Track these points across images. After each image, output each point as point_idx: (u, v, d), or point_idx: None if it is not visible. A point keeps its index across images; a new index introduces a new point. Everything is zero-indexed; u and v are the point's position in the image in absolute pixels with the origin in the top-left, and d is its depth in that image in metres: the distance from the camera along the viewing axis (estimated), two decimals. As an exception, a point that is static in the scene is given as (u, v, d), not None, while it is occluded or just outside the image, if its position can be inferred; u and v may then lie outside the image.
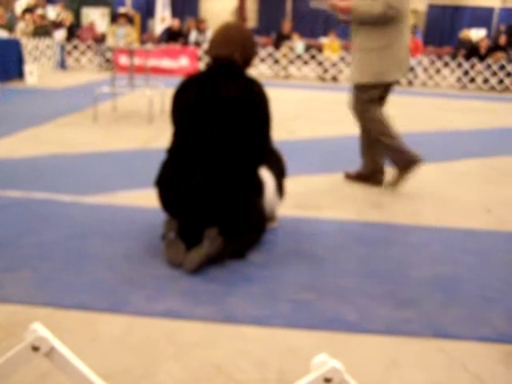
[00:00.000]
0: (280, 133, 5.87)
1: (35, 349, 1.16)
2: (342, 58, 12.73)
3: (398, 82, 4.02)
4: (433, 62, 12.89)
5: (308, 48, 13.27)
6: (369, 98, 3.86)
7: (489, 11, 21.13)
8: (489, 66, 12.23)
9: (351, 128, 6.52)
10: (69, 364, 1.18)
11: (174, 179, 2.65)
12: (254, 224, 2.75)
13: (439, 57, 13.50)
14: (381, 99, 3.96)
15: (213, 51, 2.74)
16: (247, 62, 2.77)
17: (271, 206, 2.93)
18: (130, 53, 7.24)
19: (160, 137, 5.46)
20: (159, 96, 6.90)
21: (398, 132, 3.92)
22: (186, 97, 2.69)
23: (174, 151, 2.73)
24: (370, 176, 4.10)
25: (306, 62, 12.98)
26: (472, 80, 12.49)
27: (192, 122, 2.65)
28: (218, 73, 2.69)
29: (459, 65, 12.66)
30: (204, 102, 2.63)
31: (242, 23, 2.91)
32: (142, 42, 13.51)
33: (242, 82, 2.68)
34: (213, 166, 2.59)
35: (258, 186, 2.75)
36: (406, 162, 3.84)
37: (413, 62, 12.34)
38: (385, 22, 3.66)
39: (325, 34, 15.95)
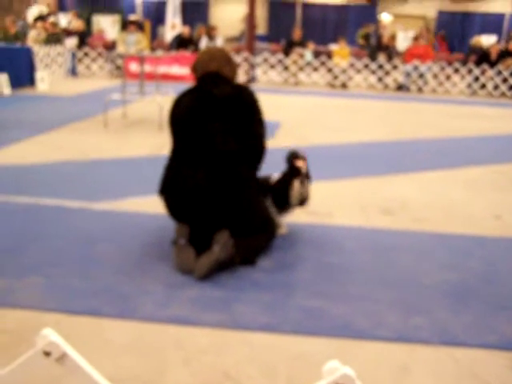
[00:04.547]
0: (290, 139, 5.88)
1: (47, 354, 1.17)
2: (352, 65, 12.71)
3: None
4: (443, 69, 12.83)
5: (317, 55, 13.27)
6: None
7: (499, 17, 21.02)
8: (499, 73, 12.17)
9: (362, 134, 6.53)
10: (80, 369, 1.19)
11: (178, 181, 2.71)
12: (261, 220, 2.79)
13: (449, 63, 13.44)
14: None
15: (200, 70, 2.91)
16: (233, 77, 2.96)
17: None
18: (141, 60, 7.29)
19: (170, 143, 5.46)
20: (169, 103, 6.92)
21: None
22: (184, 104, 2.85)
23: (175, 157, 2.82)
24: None
25: (315, 69, 12.97)
26: (482, 86, 12.43)
27: (194, 124, 2.76)
28: (210, 81, 2.85)
29: (469, 71, 12.60)
30: (202, 104, 2.78)
31: (221, 47, 3.11)
32: (152, 48, 13.58)
33: (232, 85, 2.86)
34: (216, 160, 2.68)
35: (258, 183, 2.90)
36: None
37: (422, 68, 12.31)
38: None
39: (335, 40, 15.94)
